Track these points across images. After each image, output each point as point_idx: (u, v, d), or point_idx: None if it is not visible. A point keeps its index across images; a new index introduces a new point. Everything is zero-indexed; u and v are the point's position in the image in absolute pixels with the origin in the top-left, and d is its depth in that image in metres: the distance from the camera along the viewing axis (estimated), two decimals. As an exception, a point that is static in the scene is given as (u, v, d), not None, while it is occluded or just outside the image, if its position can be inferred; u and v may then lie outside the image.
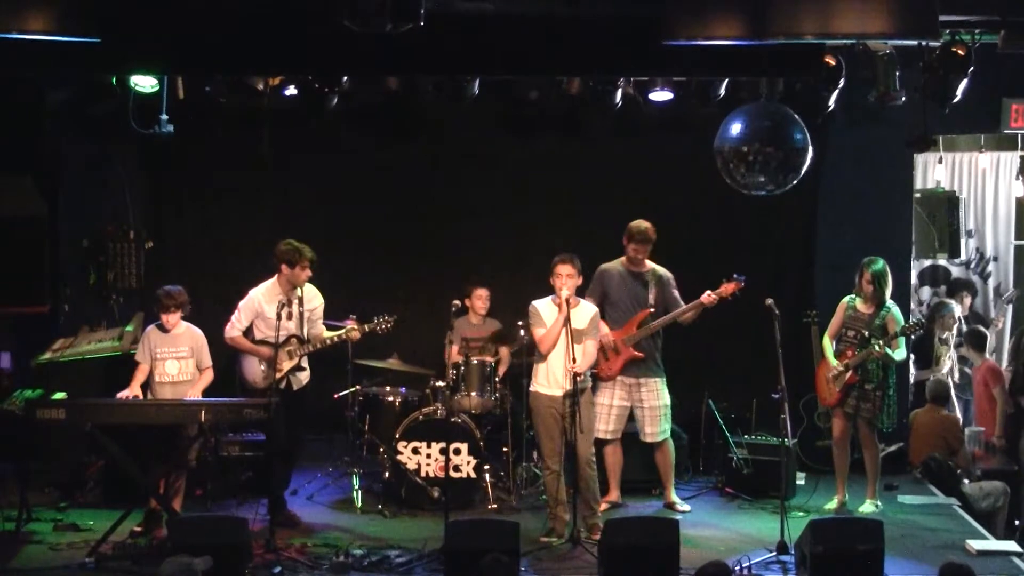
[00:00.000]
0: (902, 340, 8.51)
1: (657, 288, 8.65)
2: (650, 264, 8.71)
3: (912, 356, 9.99)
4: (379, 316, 8.53)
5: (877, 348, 8.37)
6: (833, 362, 8.59)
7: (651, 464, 8.87)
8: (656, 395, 8.65)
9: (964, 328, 10.45)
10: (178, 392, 8.04)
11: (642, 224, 8.62)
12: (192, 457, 8.10)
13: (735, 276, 8.48)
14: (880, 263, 8.54)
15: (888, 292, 8.54)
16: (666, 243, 8.75)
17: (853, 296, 8.66)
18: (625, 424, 8.71)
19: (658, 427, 8.67)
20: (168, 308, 8.01)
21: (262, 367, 8.21)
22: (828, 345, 8.69)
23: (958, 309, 10.48)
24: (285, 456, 8.33)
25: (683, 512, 8.62)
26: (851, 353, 8.53)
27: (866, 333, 8.49)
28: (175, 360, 8.10)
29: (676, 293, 8.70)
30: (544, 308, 8.01)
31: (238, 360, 8.35)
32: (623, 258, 8.70)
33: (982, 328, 10.39)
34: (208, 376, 8.17)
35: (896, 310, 8.53)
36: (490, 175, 10.33)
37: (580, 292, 8.14)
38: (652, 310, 8.61)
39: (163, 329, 8.08)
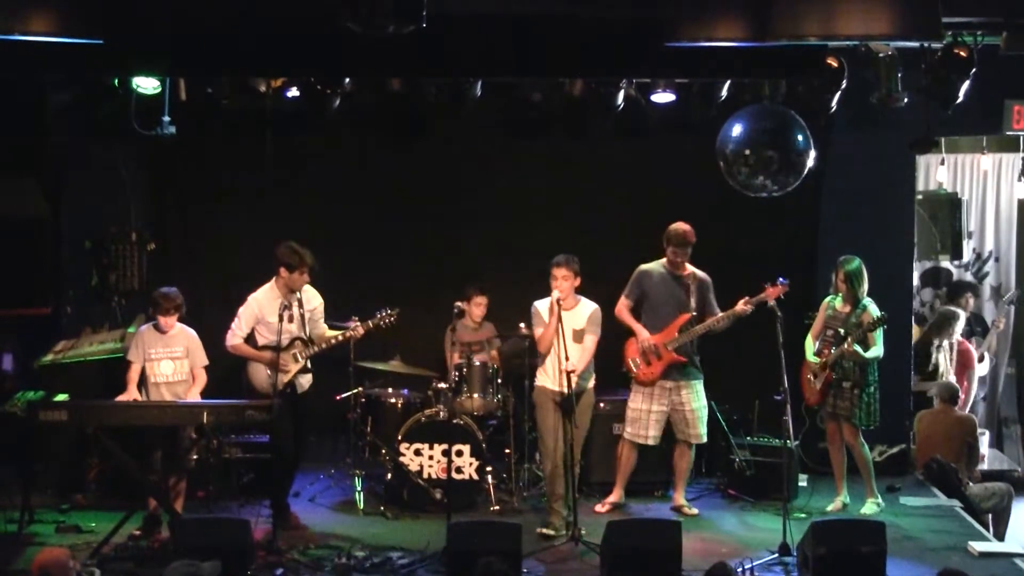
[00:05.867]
0: (878, 337, 8.44)
1: (698, 292, 8.55)
2: (691, 268, 8.59)
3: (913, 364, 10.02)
4: (381, 311, 8.45)
5: (846, 345, 8.37)
6: (812, 360, 8.59)
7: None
8: (696, 396, 8.58)
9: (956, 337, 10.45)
10: (173, 392, 8.01)
11: (680, 227, 8.47)
12: (193, 458, 8.09)
13: (780, 280, 8.27)
14: (855, 263, 8.51)
15: (863, 291, 8.51)
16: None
17: (833, 295, 8.67)
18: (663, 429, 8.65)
19: (700, 428, 8.61)
20: (168, 311, 7.98)
21: (268, 372, 8.14)
22: (809, 344, 8.70)
23: (962, 320, 10.42)
24: (288, 458, 8.33)
25: (691, 515, 8.60)
26: (827, 351, 8.53)
27: (842, 331, 8.48)
28: (170, 360, 8.07)
29: (713, 299, 8.59)
30: (544, 308, 8.09)
31: (244, 365, 8.31)
32: (663, 260, 8.58)
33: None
34: (203, 377, 8.14)
35: (872, 307, 8.47)
36: (492, 177, 10.31)
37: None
38: (694, 313, 8.50)
39: (158, 329, 8.06)
